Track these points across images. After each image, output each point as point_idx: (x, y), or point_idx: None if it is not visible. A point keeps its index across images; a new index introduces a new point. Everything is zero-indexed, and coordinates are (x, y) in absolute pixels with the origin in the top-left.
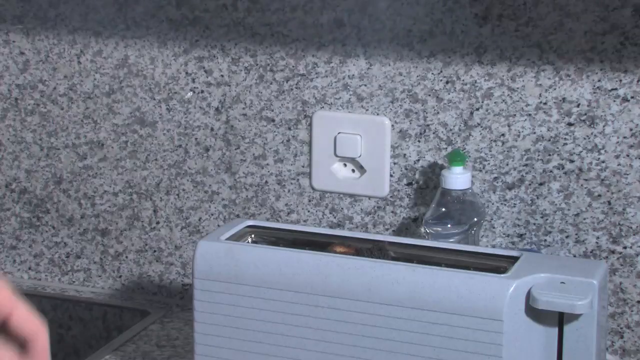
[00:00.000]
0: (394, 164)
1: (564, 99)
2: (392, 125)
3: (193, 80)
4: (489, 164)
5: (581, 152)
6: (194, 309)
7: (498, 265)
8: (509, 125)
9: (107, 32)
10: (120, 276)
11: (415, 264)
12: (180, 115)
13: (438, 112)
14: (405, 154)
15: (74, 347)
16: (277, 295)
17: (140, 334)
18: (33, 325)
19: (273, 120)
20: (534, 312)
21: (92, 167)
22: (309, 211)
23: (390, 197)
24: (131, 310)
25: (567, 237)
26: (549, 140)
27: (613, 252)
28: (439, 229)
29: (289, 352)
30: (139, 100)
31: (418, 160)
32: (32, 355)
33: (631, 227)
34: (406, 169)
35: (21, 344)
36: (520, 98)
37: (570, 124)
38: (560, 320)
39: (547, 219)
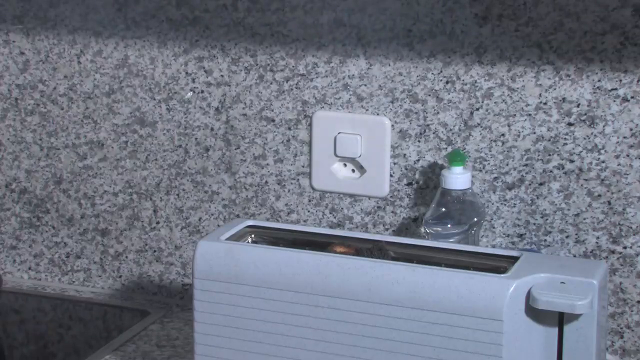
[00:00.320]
0: (394, 164)
1: (564, 99)
2: (392, 125)
3: (193, 80)
4: (489, 164)
5: (581, 152)
6: (194, 309)
7: (498, 265)
8: (509, 125)
9: (107, 32)
10: (120, 276)
11: (415, 264)
12: (180, 115)
13: (438, 112)
14: (405, 154)
15: (74, 347)
16: (277, 295)
17: (140, 334)
18: None
19: (273, 120)
20: (534, 312)
21: (92, 167)
22: (309, 211)
23: (390, 197)
24: (131, 310)
25: (567, 237)
26: (549, 140)
27: (613, 252)
28: (439, 229)
29: (289, 352)
30: (139, 100)
31: (418, 160)
32: None
33: (631, 227)
34: (406, 169)
35: None
36: (520, 98)
37: (570, 124)
38: (560, 320)
39: (547, 219)
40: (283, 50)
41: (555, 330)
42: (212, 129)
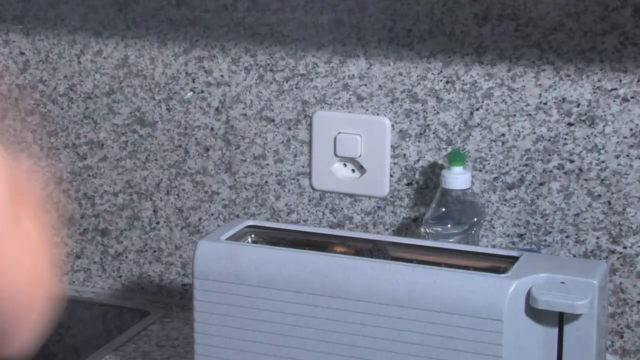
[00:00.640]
0: (394, 164)
1: (564, 99)
2: (392, 125)
3: (193, 80)
4: (489, 164)
5: (581, 152)
6: (194, 309)
7: (498, 265)
8: (509, 125)
9: (107, 32)
10: (120, 276)
11: (415, 264)
12: (180, 115)
13: (438, 112)
14: (405, 154)
15: (74, 347)
16: (277, 296)
17: (140, 334)
18: None
19: (273, 120)
20: (534, 312)
21: (92, 167)
22: (309, 211)
23: (390, 197)
24: (131, 310)
25: (567, 237)
26: (549, 140)
27: (613, 252)
28: (439, 229)
29: (289, 352)
30: (139, 100)
31: (418, 160)
32: None
33: (631, 227)
34: (406, 169)
35: None
36: (520, 98)
37: (570, 124)
38: (560, 320)
39: (547, 219)
40: (283, 50)
41: (555, 330)
42: (212, 129)
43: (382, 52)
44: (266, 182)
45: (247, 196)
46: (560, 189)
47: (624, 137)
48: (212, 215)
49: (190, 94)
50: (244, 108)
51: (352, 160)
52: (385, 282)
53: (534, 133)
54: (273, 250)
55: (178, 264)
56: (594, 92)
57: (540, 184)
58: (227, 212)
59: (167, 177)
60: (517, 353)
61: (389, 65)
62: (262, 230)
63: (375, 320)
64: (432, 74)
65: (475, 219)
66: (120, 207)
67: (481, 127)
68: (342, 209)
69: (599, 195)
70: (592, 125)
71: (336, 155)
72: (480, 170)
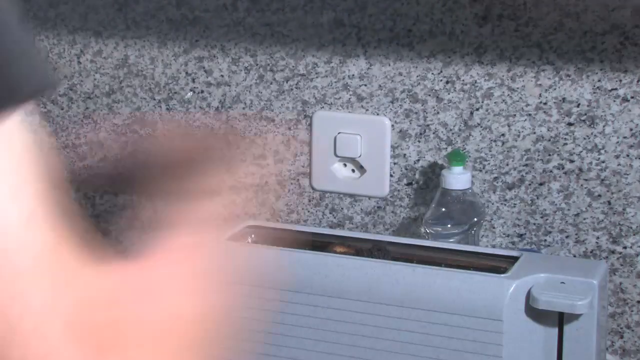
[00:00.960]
0: (394, 164)
1: (564, 99)
2: (392, 125)
3: (193, 80)
4: (489, 164)
5: (581, 152)
6: None
7: (498, 265)
8: (509, 125)
9: (107, 32)
10: None
11: (415, 264)
12: (180, 115)
13: (438, 112)
14: (405, 154)
15: None
16: (277, 295)
17: None
18: None
19: (273, 120)
20: (534, 312)
21: (92, 167)
22: (309, 211)
23: (390, 197)
24: None
25: (567, 237)
26: (549, 140)
27: (613, 252)
28: (439, 229)
29: (289, 352)
30: (139, 100)
31: (418, 160)
32: None
33: (631, 227)
34: (406, 169)
35: None
36: (520, 98)
37: (570, 124)
38: (560, 320)
39: (547, 219)
40: (283, 50)
41: (555, 330)
42: (212, 129)
43: (382, 52)
44: (266, 182)
45: (247, 196)
46: (560, 189)
47: (624, 137)
48: (212, 215)
49: (190, 94)
50: (244, 108)
51: (352, 160)
52: (385, 282)
53: (534, 133)
54: (273, 250)
55: None
56: (594, 92)
57: (540, 184)
58: (227, 212)
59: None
60: (517, 353)
61: (389, 65)
62: (262, 230)
63: (375, 320)
64: (432, 74)
65: (475, 219)
66: (120, 207)
67: (481, 127)
68: (342, 209)
69: (599, 195)
70: (592, 125)
71: (336, 155)
72: (480, 170)
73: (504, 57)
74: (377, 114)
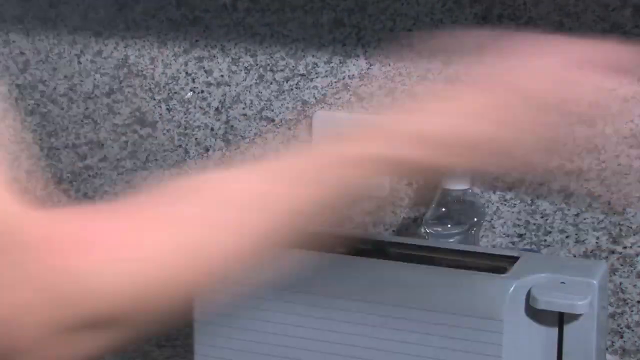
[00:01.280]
0: None
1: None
2: None
3: (193, 80)
4: None
5: (581, 152)
6: (194, 309)
7: (498, 265)
8: None
9: (107, 32)
10: None
11: (415, 264)
12: (180, 115)
13: None
14: None
15: None
16: (277, 295)
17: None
18: None
19: (273, 120)
20: (534, 312)
21: (92, 167)
22: None
23: (390, 197)
24: None
25: (567, 237)
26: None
27: (613, 252)
28: (439, 229)
29: (289, 352)
30: (139, 100)
31: None
32: None
33: (631, 227)
34: None
35: None
36: None
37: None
38: (560, 320)
39: (547, 219)
40: (283, 50)
41: (555, 330)
42: (212, 129)
43: (382, 52)
44: None
45: None
46: (560, 189)
47: (624, 137)
48: None
49: (190, 94)
50: (244, 108)
51: None
52: (385, 282)
53: None
54: (273, 250)
55: None
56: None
57: (540, 184)
58: None
59: (167, 177)
60: (517, 353)
61: (389, 65)
62: None
63: (375, 320)
64: (432, 74)
65: (475, 219)
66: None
67: None
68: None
69: (599, 195)
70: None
71: None
72: None
73: None
74: (377, 114)
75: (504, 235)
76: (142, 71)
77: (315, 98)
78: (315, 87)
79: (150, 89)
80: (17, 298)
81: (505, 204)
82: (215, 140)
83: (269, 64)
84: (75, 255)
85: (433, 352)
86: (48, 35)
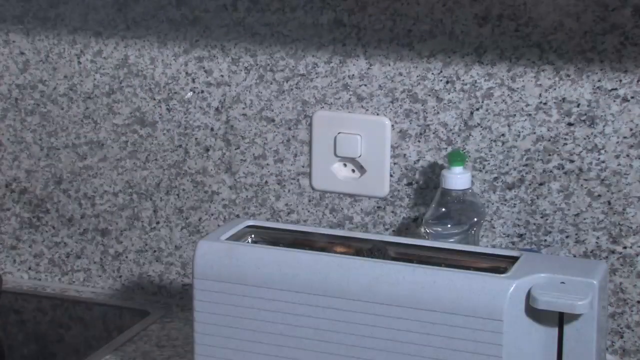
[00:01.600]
0: (394, 164)
1: (564, 99)
2: (392, 125)
3: (193, 80)
4: (489, 164)
5: (581, 152)
6: (194, 309)
7: (498, 265)
8: (509, 125)
9: (107, 32)
10: (120, 276)
11: (415, 264)
12: (180, 115)
13: (438, 112)
14: (405, 154)
15: (74, 347)
16: (277, 295)
17: (140, 334)
18: None
19: (273, 120)
20: (534, 312)
21: (92, 167)
22: (309, 211)
23: (390, 197)
24: (131, 310)
25: (567, 237)
26: (549, 140)
27: (613, 252)
28: (439, 229)
29: (289, 352)
30: (139, 100)
31: (418, 160)
32: None
33: (631, 227)
34: (406, 169)
35: None
36: (520, 98)
37: (570, 124)
38: (560, 320)
39: (547, 219)
40: (283, 50)
41: (555, 330)
42: (212, 129)
43: (382, 52)
44: (266, 182)
45: (247, 196)
46: (560, 189)
47: (624, 137)
48: (212, 215)
49: (190, 94)
50: (244, 108)
51: (352, 160)
52: (385, 282)
53: (534, 133)
54: (273, 250)
55: (178, 264)
56: (594, 92)
57: (540, 184)
58: (227, 212)
59: (167, 177)
60: (517, 353)
61: (389, 65)
62: (262, 230)
63: (375, 320)
64: (432, 74)
65: (475, 219)
66: (120, 207)
67: (481, 127)
68: (342, 209)
69: (599, 195)
70: (592, 125)
71: (336, 155)
72: (480, 170)
73: (504, 57)
74: (377, 114)
75: (504, 235)
76: (142, 71)
77: (315, 98)
78: (315, 87)
79: (150, 89)
80: None
81: (505, 204)
82: (215, 140)
83: (269, 64)
84: None
85: (433, 352)
86: (48, 35)
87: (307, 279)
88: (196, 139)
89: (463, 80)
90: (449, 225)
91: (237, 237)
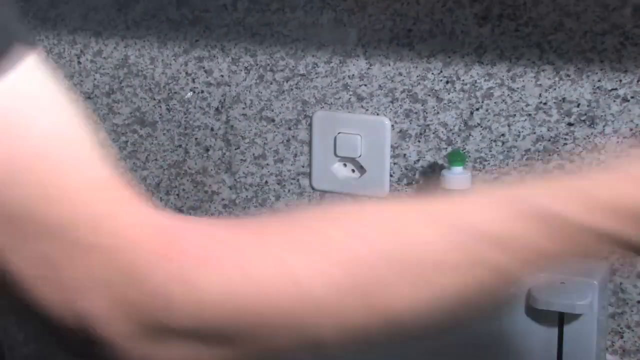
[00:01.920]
0: (394, 164)
1: (564, 99)
2: (392, 125)
3: (193, 80)
4: (489, 164)
5: (581, 152)
6: None
7: None
8: (509, 125)
9: (107, 32)
10: None
11: None
12: (180, 115)
13: (438, 112)
14: (405, 154)
15: None
16: None
17: None
18: None
19: (273, 120)
20: (534, 312)
21: None
22: None
23: (391, 197)
24: None
25: None
26: (549, 140)
27: (613, 252)
28: None
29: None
30: (139, 100)
31: (418, 160)
32: None
33: None
34: (406, 169)
35: None
36: (520, 98)
37: (570, 124)
38: (560, 320)
39: None
40: (283, 50)
41: (555, 330)
42: (212, 129)
43: (382, 52)
44: (266, 182)
45: (247, 196)
46: None
47: (624, 137)
48: (212, 215)
49: (190, 94)
50: (244, 108)
51: (352, 160)
52: None
53: (534, 133)
54: None
55: None
56: (594, 92)
57: None
58: (227, 212)
59: (167, 177)
60: (517, 353)
61: (389, 65)
62: None
63: None
64: (432, 74)
65: None
66: None
67: (481, 127)
68: None
69: None
70: (592, 126)
71: (336, 155)
72: (480, 170)
73: (504, 57)
74: (377, 114)
75: None
76: (142, 71)
77: (315, 98)
78: (315, 87)
79: (150, 89)
80: (114, 293)
81: None
82: (215, 140)
83: (269, 64)
84: (194, 267)
85: (432, 352)
86: (48, 35)
87: None
88: (196, 139)
89: (463, 80)
90: None
91: None
